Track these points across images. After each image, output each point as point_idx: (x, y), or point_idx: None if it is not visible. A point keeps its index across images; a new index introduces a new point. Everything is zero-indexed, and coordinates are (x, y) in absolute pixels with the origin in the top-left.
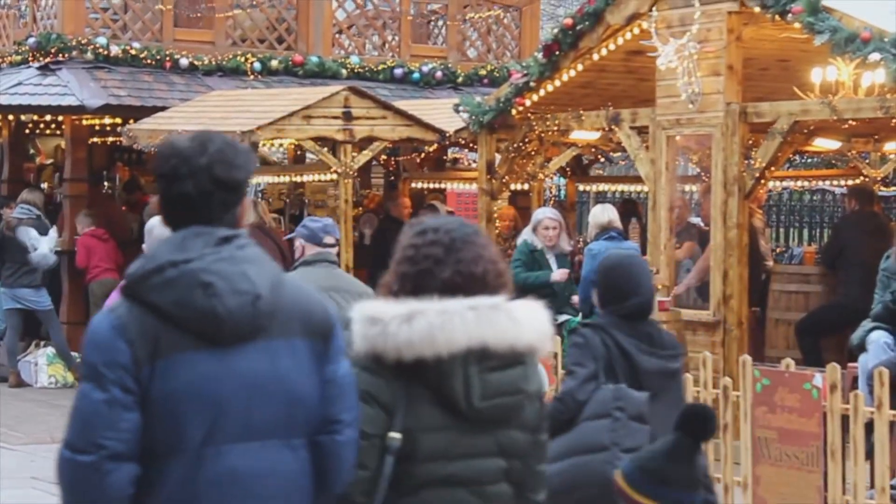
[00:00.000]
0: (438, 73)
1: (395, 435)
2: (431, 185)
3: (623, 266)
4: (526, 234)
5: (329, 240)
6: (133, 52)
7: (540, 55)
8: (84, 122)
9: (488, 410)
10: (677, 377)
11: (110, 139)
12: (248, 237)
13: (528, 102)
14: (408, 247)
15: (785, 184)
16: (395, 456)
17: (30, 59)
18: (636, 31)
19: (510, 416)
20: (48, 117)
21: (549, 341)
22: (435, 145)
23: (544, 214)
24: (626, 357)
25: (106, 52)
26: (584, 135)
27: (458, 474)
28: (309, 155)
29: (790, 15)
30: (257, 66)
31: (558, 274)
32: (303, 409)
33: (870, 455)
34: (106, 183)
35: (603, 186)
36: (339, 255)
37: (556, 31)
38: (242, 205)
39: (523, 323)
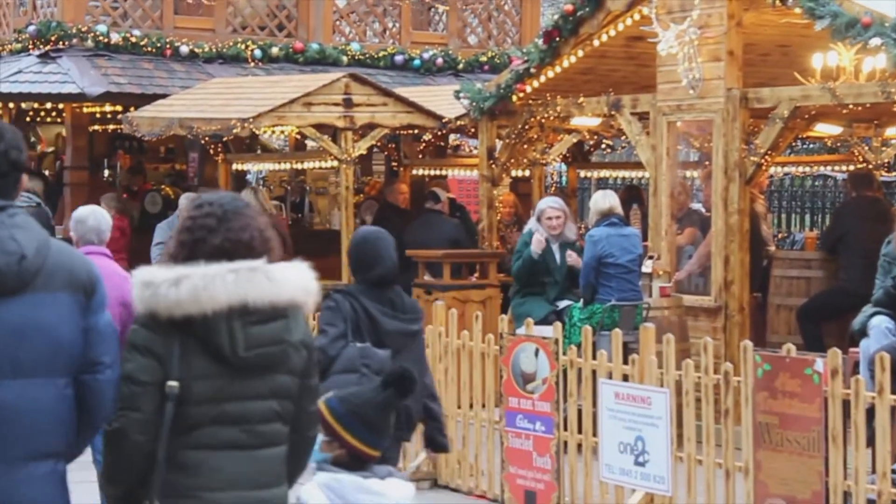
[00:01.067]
0: (439, 60)
1: (173, 383)
2: (432, 172)
3: (369, 241)
4: (530, 224)
5: None
6: (133, 39)
7: (540, 41)
8: (85, 110)
9: (253, 359)
10: (417, 337)
11: (111, 127)
12: (19, 207)
13: (528, 89)
14: (187, 218)
15: (786, 169)
16: (174, 401)
17: (30, 46)
18: (637, 16)
19: (276, 363)
20: (49, 105)
21: (311, 296)
22: (436, 132)
23: (547, 204)
24: (371, 319)
25: (106, 40)
26: (584, 121)
27: (228, 414)
28: (310, 142)
29: (791, 0)
30: (258, 53)
31: (534, 242)
32: (65, 352)
33: (871, 440)
34: (107, 171)
35: (604, 172)
36: (339, 240)
37: (556, 17)
38: (21, 180)
39: (282, 282)
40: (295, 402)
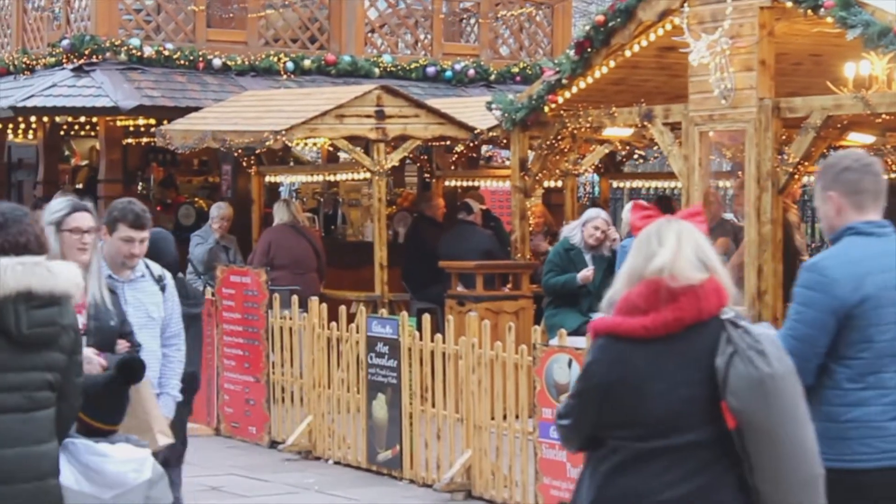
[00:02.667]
0: (471, 71)
1: None
2: (465, 184)
3: (152, 240)
4: (566, 231)
5: None
6: (166, 52)
7: (572, 52)
8: (118, 124)
9: (33, 337)
10: (197, 319)
11: (144, 140)
12: None
13: (560, 99)
14: None
15: None
16: None
17: (64, 60)
18: (668, 27)
19: (51, 341)
20: (83, 119)
21: (79, 289)
22: (468, 143)
23: (597, 213)
24: None
25: (139, 54)
26: (616, 131)
27: (12, 383)
28: (342, 154)
29: (822, 9)
30: (290, 65)
31: (582, 275)
32: None
33: None
34: (140, 183)
35: (636, 183)
36: (372, 252)
37: (588, 27)
38: None
39: (59, 275)
40: (63, 374)
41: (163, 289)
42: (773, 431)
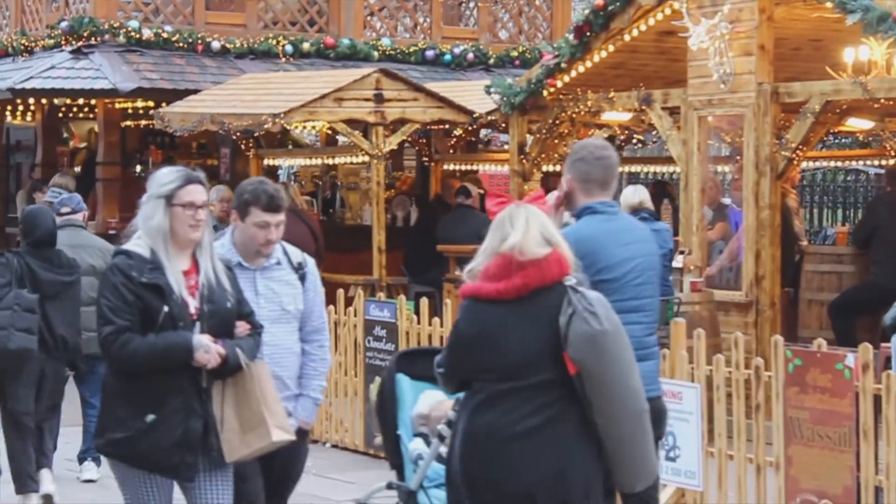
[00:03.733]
0: (470, 55)
1: None
2: (463, 167)
3: (31, 214)
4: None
5: (65, 209)
6: (165, 35)
7: (571, 36)
8: (117, 106)
9: None
10: (72, 286)
11: (143, 122)
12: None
13: (559, 84)
14: None
15: (818, 164)
16: None
17: (62, 42)
18: (667, 11)
19: None
20: (81, 101)
21: None
22: (467, 127)
23: None
24: (32, 272)
25: (138, 36)
26: (615, 116)
27: None
28: (341, 137)
29: None
30: (289, 48)
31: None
32: None
33: None
34: (139, 166)
35: (635, 167)
36: (370, 235)
37: (587, 12)
38: None
39: None
40: None
41: (302, 278)
42: (604, 376)
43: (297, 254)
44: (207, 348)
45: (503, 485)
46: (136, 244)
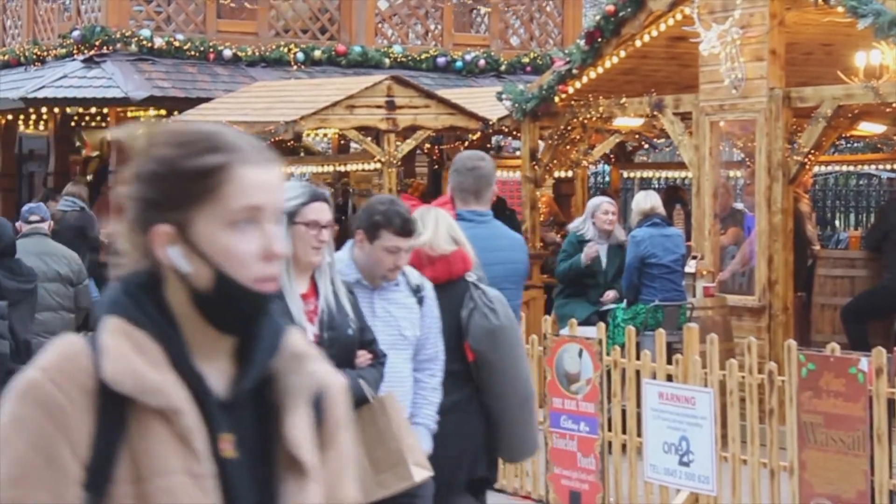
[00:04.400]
0: (481, 62)
1: None
2: None
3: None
4: (575, 223)
5: (34, 218)
6: (177, 43)
7: (582, 42)
8: (129, 114)
9: None
10: (32, 293)
11: None
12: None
13: (570, 90)
14: None
15: (830, 168)
16: None
17: (74, 51)
18: (679, 16)
19: None
20: (93, 109)
21: None
22: (478, 133)
23: (603, 199)
24: None
25: (150, 45)
26: (627, 121)
27: None
28: (353, 144)
29: None
30: (300, 56)
31: (585, 253)
32: None
33: None
34: None
35: (647, 173)
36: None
37: (598, 18)
38: None
39: None
40: None
41: (420, 301)
42: (498, 365)
43: (415, 275)
44: None
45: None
46: None
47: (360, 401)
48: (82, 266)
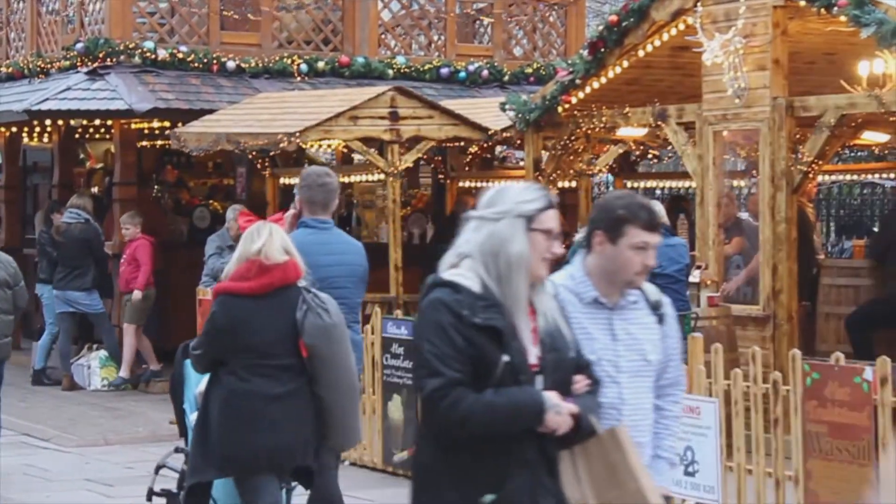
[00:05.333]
0: (484, 72)
1: None
2: (479, 184)
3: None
4: (580, 235)
5: None
6: (180, 55)
7: (585, 52)
8: (133, 126)
9: None
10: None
11: (159, 142)
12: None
13: (574, 100)
14: None
15: (834, 178)
16: None
17: (78, 64)
18: (681, 26)
19: None
20: (97, 122)
21: None
22: (482, 144)
23: None
24: None
25: (153, 56)
26: (630, 131)
27: None
28: (356, 156)
29: (836, 8)
30: (304, 67)
31: None
32: None
33: None
34: (156, 186)
35: (650, 183)
36: (387, 253)
37: (601, 28)
38: None
39: None
40: None
41: (660, 319)
42: (330, 359)
43: (653, 291)
44: (559, 409)
45: (253, 441)
46: (460, 275)
47: (588, 432)
48: (17, 269)
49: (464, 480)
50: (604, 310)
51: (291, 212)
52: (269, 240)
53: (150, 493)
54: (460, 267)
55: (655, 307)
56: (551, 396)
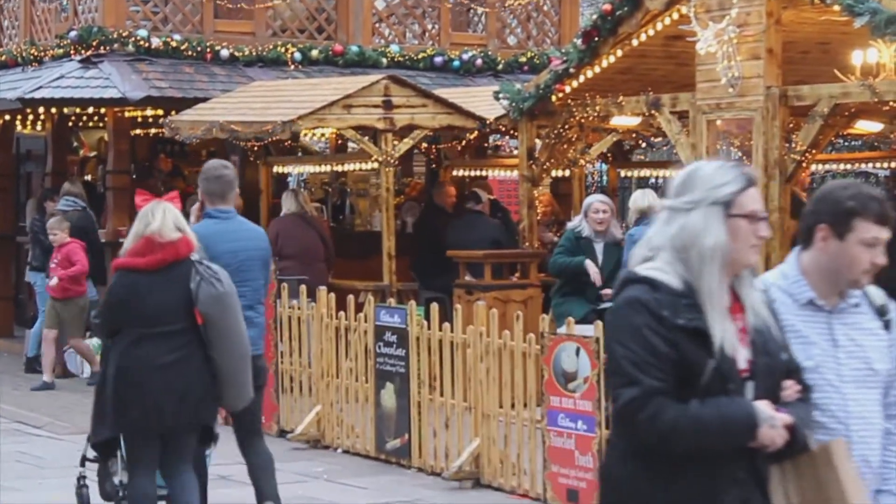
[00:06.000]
0: (478, 61)
1: None
2: (473, 173)
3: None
4: (574, 222)
5: None
6: (174, 43)
7: (579, 41)
8: (126, 115)
9: None
10: None
11: (152, 131)
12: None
13: (567, 89)
14: None
15: (827, 167)
16: None
17: (71, 52)
18: (675, 15)
19: None
20: (91, 110)
21: None
22: (475, 133)
23: (595, 198)
24: None
25: (147, 45)
26: (624, 120)
27: None
28: (350, 144)
29: None
30: (297, 56)
31: (594, 272)
32: None
33: None
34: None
35: (644, 172)
36: (380, 242)
37: (595, 17)
38: None
39: None
40: None
41: (887, 325)
42: (222, 324)
43: (878, 294)
44: (774, 422)
45: (146, 402)
46: (658, 269)
47: (802, 447)
48: None
49: (664, 497)
50: (821, 313)
51: (196, 204)
52: (162, 219)
53: (84, 460)
54: (656, 260)
55: (882, 312)
56: (764, 408)
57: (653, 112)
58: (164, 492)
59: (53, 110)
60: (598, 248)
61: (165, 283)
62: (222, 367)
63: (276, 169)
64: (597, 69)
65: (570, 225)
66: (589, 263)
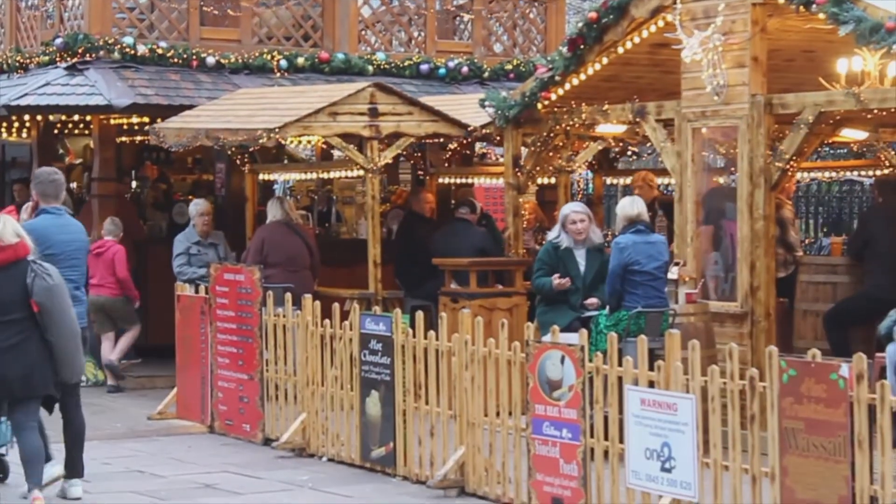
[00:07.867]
0: (464, 69)
1: None
2: (459, 181)
3: None
4: (553, 233)
5: None
6: (160, 51)
7: (565, 49)
8: (112, 122)
9: None
10: None
11: (138, 138)
12: None
13: (553, 96)
14: None
15: (813, 175)
16: None
17: (57, 59)
18: (661, 23)
19: None
20: (76, 117)
21: None
22: (462, 140)
23: (570, 209)
24: None
25: (133, 52)
26: (610, 128)
27: None
28: (336, 152)
29: (814, 5)
30: (283, 63)
31: (556, 282)
32: None
33: None
34: (134, 182)
35: (630, 179)
36: (366, 249)
37: (581, 24)
38: None
39: None
40: None
41: None
42: (54, 311)
43: None
44: None
45: None
46: None
47: None
48: None
49: None
50: None
51: (30, 203)
52: (3, 227)
53: None
54: None
55: None
56: None
57: (638, 120)
58: (3, 450)
59: (39, 117)
60: (580, 254)
61: (6, 279)
62: (57, 347)
63: (261, 176)
64: (582, 77)
65: (549, 236)
66: (554, 277)
